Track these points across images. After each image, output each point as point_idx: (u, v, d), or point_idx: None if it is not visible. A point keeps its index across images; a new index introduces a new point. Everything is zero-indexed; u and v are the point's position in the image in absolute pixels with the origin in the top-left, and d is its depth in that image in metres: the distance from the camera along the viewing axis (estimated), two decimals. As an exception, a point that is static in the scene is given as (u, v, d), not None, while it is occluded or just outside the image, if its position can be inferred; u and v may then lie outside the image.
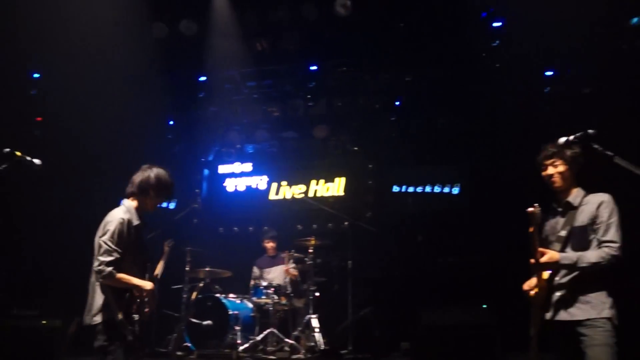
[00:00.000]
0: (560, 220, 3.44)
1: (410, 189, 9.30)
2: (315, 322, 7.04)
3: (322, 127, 9.12)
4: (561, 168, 3.41)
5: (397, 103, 8.63)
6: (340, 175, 9.30)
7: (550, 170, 3.43)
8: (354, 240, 7.55)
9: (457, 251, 8.68)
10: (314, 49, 7.97)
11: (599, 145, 3.03)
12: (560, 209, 3.47)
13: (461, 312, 7.14)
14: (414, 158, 9.17)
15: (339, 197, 9.19)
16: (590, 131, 3.07)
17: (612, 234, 3.22)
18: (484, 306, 7.33)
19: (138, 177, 3.73)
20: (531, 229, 3.29)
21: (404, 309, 7.74)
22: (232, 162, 9.51)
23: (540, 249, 3.29)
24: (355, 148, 9.29)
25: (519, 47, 7.33)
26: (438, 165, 9.27)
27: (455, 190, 9.26)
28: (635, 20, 6.81)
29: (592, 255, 3.20)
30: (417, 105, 8.66)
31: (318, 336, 6.91)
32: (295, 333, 7.09)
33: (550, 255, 3.25)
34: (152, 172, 3.75)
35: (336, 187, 9.28)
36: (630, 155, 3.03)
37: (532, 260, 3.31)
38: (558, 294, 3.31)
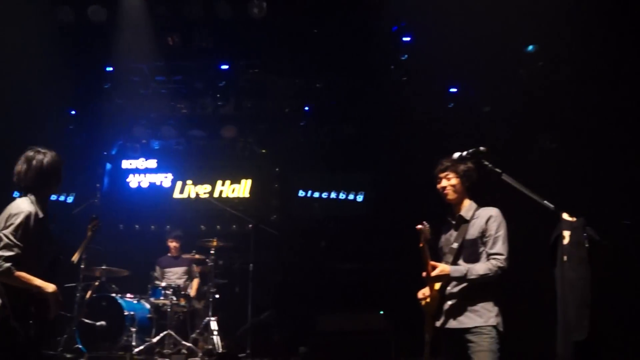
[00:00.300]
0: (454, 233, 3.71)
1: (316, 195, 9.62)
2: (214, 325, 7.14)
3: (230, 127, 9.22)
4: (454, 181, 3.67)
5: (307, 108, 8.93)
6: (246, 177, 9.45)
7: (444, 182, 3.70)
8: (257, 243, 7.75)
9: (358, 258, 9.22)
10: (227, 47, 8.03)
11: (489, 162, 3.35)
12: (453, 222, 3.74)
13: (358, 317, 7.58)
14: (320, 164, 9.49)
15: (244, 199, 9.34)
16: (481, 148, 3.38)
17: (499, 246, 3.49)
18: (381, 312, 7.87)
19: (30, 167, 3.48)
20: (421, 244, 3.56)
21: (304, 314, 8.06)
22: (136, 158, 9.42)
23: (432, 263, 3.56)
24: (263, 150, 9.51)
25: (426, 62, 7.78)
26: (344, 173, 9.65)
27: (360, 198, 9.76)
28: (530, 47, 7.64)
29: (480, 268, 3.46)
30: (326, 112, 9.01)
31: (216, 339, 7.01)
32: (194, 335, 7.15)
33: (441, 268, 3.52)
34: (46, 158, 3.51)
35: (242, 189, 9.42)
36: (521, 172, 3.47)
37: (424, 273, 3.58)
38: (449, 303, 3.58)
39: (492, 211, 3.61)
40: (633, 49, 6.09)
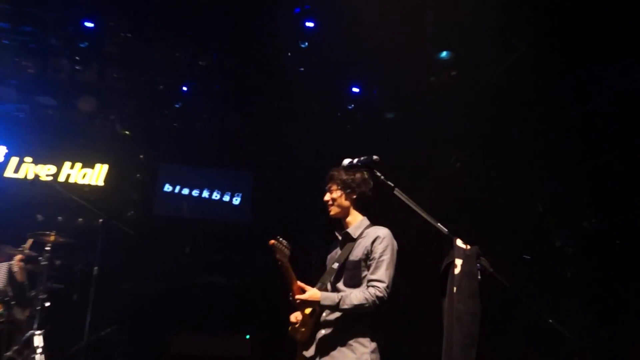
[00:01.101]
0: (339, 252, 3.75)
1: (185, 191, 9.58)
2: (38, 341, 6.73)
3: (88, 99, 8.83)
4: (335, 194, 3.72)
5: (185, 89, 8.77)
6: (102, 162, 9.18)
7: (327, 196, 3.75)
8: (106, 242, 7.49)
9: (227, 271, 9.19)
10: (95, 1, 7.73)
11: (381, 173, 3.38)
12: (340, 239, 3.78)
13: (220, 341, 7.53)
14: (194, 156, 9.44)
15: (96, 187, 9.06)
16: (374, 157, 3.39)
17: (381, 273, 3.50)
18: (247, 337, 7.87)
19: None
20: (279, 263, 3.58)
21: (155, 332, 7.95)
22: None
23: (300, 285, 3.57)
24: (126, 132, 9.20)
25: (328, 55, 7.93)
26: (220, 169, 9.71)
27: (236, 200, 9.77)
28: (444, 54, 7.95)
29: (355, 297, 3.47)
30: (208, 96, 8.89)
31: (40, 358, 6.73)
32: (9, 353, 6.69)
33: (310, 293, 3.53)
34: None
35: (95, 175, 9.10)
36: (419, 189, 3.55)
37: (291, 296, 3.57)
38: (322, 332, 3.60)
39: (380, 231, 3.65)
40: (551, 55, 6.47)
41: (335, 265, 3.66)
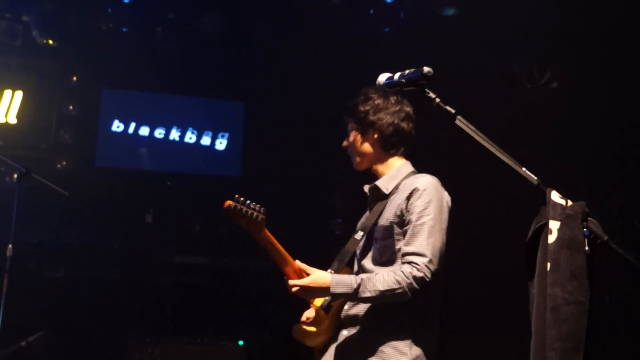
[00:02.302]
0: (368, 215, 3.80)
1: (144, 132, 9.61)
2: None
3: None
4: (353, 136, 3.81)
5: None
6: (13, 88, 9.12)
7: (346, 140, 3.86)
8: (25, 208, 7.55)
9: (211, 248, 9.25)
10: None
11: (436, 94, 3.24)
12: (369, 196, 3.82)
13: (202, 350, 7.61)
14: (156, 79, 9.42)
15: (6, 126, 9.03)
16: (426, 69, 3.23)
17: (420, 242, 3.44)
18: (240, 343, 7.95)
19: None
20: (253, 235, 3.67)
21: (105, 339, 8.05)
22: None
23: (299, 266, 3.61)
24: (49, 42, 9.14)
25: None
26: (196, 97, 9.73)
27: (221, 144, 9.76)
28: None
29: (382, 280, 3.40)
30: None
31: None
32: None
33: (314, 278, 3.52)
34: None
35: (4, 108, 9.08)
36: (495, 120, 3.45)
37: (289, 282, 3.60)
38: (344, 333, 3.65)
39: (420, 180, 3.63)
40: None
41: (360, 235, 3.70)
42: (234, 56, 9.43)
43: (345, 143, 3.80)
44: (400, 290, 3.36)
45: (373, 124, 3.71)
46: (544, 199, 3.08)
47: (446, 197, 3.64)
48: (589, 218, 2.99)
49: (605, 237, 2.98)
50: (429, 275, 3.37)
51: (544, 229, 3.05)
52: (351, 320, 3.63)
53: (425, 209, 3.51)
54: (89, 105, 9.44)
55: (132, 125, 9.55)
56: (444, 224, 3.56)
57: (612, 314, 5.94)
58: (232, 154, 9.76)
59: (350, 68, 8.08)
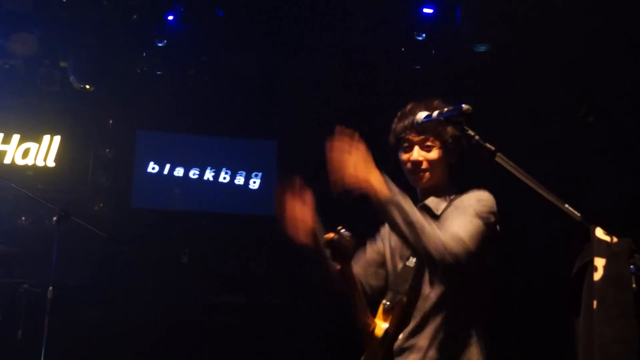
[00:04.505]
0: None
1: (179, 172, 9.67)
2: None
3: (28, 36, 8.83)
4: (435, 153, 3.55)
5: (171, 18, 8.72)
6: (52, 132, 9.25)
7: (418, 153, 3.56)
8: (64, 250, 7.56)
9: (247, 286, 9.24)
10: None
11: (475, 132, 3.17)
12: None
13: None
14: (190, 121, 9.52)
15: (45, 169, 9.16)
16: (464, 107, 3.17)
17: (461, 223, 3.26)
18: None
19: None
20: (339, 269, 3.50)
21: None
22: None
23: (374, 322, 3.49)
24: (87, 86, 9.19)
25: None
26: (229, 138, 9.78)
27: (254, 184, 9.77)
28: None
29: (429, 224, 3.19)
30: (205, 27, 8.88)
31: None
32: None
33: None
34: None
35: (43, 152, 9.19)
36: (532, 156, 3.40)
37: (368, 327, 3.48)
38: None
39: (478, 191, 3.51)
40: None
41: (413, 262, 3.56)
42: (265, 95, 9.47)
43: (419, 156, 3.57)
44: (437, 248, 3.12)
45: (455, 151, 3.59)
46: (588, 236, 3.03)
47: (495, 205, 3.45)
48: (636, 255, 2.94)
49: (654, 274, 2.93)
50: (463, 257, 3.14)
51: (589, 266, 3.00)
52: (406, 352, 3.48)
53: (476, 200, 3.42)
54: (124, 147, 9.57)
55: (167, 167, 9.63)
56: (488, 225, 3.36)
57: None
58: (266, 193, 9.75)
59: (382, 105, 8.06)
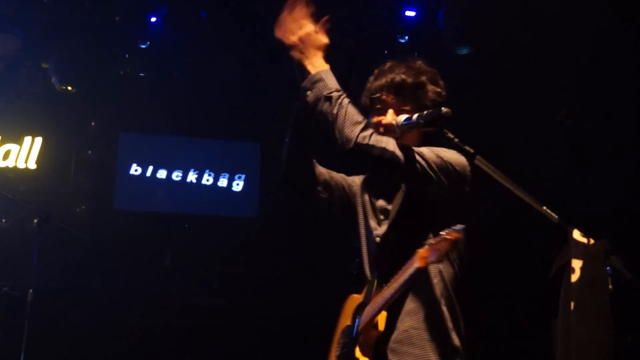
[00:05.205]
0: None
1: (162, 174, 9.65)
2: None
3: (10, 37, 8.80)
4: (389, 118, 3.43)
5: (154, 19, 8.73)
6: (34, 134, 9.23)
7: (392, 117, 3.44)
8: (45, 253, 7.54)
9: (225, 288, 9.24)
10: None
11: (454, 134, 3.19)
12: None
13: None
14: (173, 122, 9.49)
15: (26, 171, 9.11)
16: (444, 110, 3.15)
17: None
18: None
19: None
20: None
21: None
22: None
23: None
24: (69, 88, 9.18)
25: None
26: (212, 139, 9.73)
27: (238, 184, 9.75)
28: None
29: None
30: (188, 29, 8.92)
31: None
32: None
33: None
34: None
35: (24, 154, 9.16)
36: (511, 158, 3.41)
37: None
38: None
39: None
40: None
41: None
42: (249, 97, 9.45)
43: (392, 121, 3.44)
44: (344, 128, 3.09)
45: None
46: (565, 238, 3.05)
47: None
48: (612, 256, 2.96)
49: (629, 276, 2.94)
50: (400, 159, 3.10)
51: (567, 268, 3.02)
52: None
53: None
54: (107, 149, 9.55)
55: (150, 169, 9.60)
56: (454, 162, 3.30)
57: (635, 354, 5.88)
58: (249, 195, 9.75)
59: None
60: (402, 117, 3.33)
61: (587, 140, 7.32)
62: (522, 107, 7.96)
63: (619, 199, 6.63)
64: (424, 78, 3.46)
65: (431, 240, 2.99)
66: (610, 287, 2.92)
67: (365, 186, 3.57)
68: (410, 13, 8.73)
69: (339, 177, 3.63)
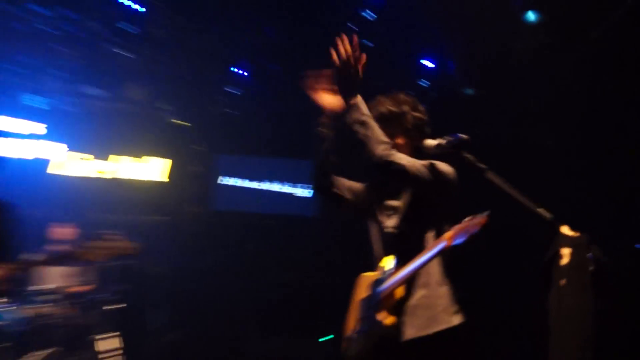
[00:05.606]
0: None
1: (246, 184, 9.67)
2: (108, 344, 7.01)
3: (138, 87, 8.99)
4: (400, 140, 3.40)
5: (244, 73, 8.80)
6: (159, 155, 9.40)
7: None
8: (171, 241, 7.65)
9: (298, 267, 9.21)
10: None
11: (471, 154, 3.17)
12: None
13: (297, 344, 7.50)
14: (254, 145, 9.54)
15: (156, 183, 9.26)
16: (462, 136, 3.19)
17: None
18: (330, 337, 7.80)
19: None
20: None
21: (225, 335, 8.05)
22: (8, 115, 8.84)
23: None
24: (183, 123, 9.39)
25: (397, 27, 7.89)
26: (285, 159, 9.72)
27: (305, 192, 9.75)
28: (531, 16, 7.58)
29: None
30: (267, 79, 8.90)
31: None
32: (74, 358, 7.04)
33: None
34: None
35: (154, 170, 9.31)
36: (513, 171, 3.37)
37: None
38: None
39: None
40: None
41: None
42: (307, 128, 9.38)
43: None
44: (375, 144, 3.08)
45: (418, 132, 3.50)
46: (556, 232, 3.00)
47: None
48: (592, 245, 2.92)
49: (606, 259, 2.90)
50: (392, 159, 3.08)
51: (557, 255, 2.98)
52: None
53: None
54: (206, 166, 9.74)
55: (236, 180, 9.64)
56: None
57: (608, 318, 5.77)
58: (313, 200, 9.69)
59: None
60: (433, 142, 3.27)
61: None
62: (509, 133, 7.88)
63: (598, 200, 6.55)
64: (405, 107, 3.40)
65: (458, 226, 2.97)
66: (591, 268, 2.88)
67: (373, 189, 3.52)
68: (428, 63, 8.70)
69: (354, 184, 3.57)
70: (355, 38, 3.18)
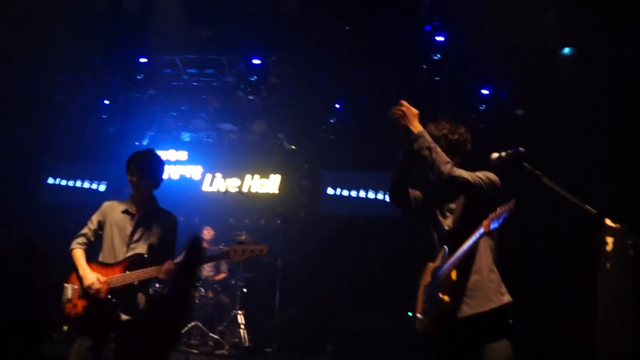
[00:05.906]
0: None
1: (345, 193, 9.67)
2: (241, 319, 7.23)
3: (260, 122, 9.31)
4: None
5: (337, 106, 8.89)
6: (275, 173, 9.48)
7: None
8: (285, 239, 7.80)
9: (387, 257, 9.14)
10: (258, 41, 8.02)
11: (528, 163, 3.11)
12: None
13: (388, 318, 7.49)
14: (350, 162, 9.47)
15: (273, 194, 9.37)
16: (520, 149, 3.12)
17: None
18: (410, 314, 7.75)
19: None
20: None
21: (330, 312, 8.03)
22: (167, 149, 9.41)
23: None
24: (292, 147, 9.52)
25: (459, 63, 7.83)
26: (373, 171, 9.71)
27: (388, 197, 9.68)
28: (566, 50, 7.42)
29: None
30: (357, 109, 8.92)
31: (243, 332, 7.07)
32: (220, 328, 7.22)
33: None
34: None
35: (271, 184, 9.45)
36: (559, 175, 3.31)
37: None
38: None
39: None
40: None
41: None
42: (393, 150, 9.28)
43: None
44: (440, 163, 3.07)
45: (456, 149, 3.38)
46: (601, 224, 2.92)
47: None
48: (632, 234, 2.84)
49: (644, 245, 2.81)
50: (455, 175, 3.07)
51: (602, 242, 2.90)
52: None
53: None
54: (314, 180, 9.66)
55: (338, 190, 9.61)
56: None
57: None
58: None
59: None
60: (495, 155, 3.20)
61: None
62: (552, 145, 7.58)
63: (635, 198, 6.23)
64: (445, 131, 3.31)
65: (492, 214, 2.92)
66: (631, 253, 2.80)
67: (432, 194, 3.40)
68: (485, 91, 8.46)
69: (417, 193, 3.47)
70: (402, 102, 3.25)
